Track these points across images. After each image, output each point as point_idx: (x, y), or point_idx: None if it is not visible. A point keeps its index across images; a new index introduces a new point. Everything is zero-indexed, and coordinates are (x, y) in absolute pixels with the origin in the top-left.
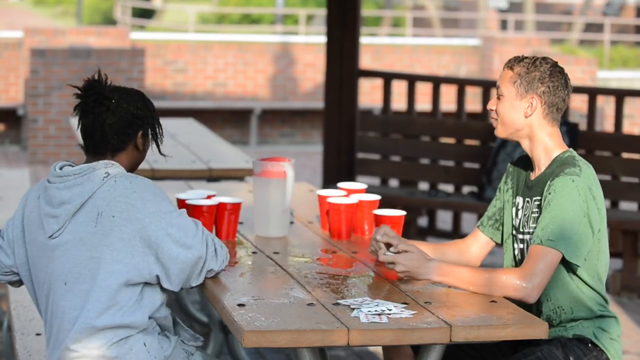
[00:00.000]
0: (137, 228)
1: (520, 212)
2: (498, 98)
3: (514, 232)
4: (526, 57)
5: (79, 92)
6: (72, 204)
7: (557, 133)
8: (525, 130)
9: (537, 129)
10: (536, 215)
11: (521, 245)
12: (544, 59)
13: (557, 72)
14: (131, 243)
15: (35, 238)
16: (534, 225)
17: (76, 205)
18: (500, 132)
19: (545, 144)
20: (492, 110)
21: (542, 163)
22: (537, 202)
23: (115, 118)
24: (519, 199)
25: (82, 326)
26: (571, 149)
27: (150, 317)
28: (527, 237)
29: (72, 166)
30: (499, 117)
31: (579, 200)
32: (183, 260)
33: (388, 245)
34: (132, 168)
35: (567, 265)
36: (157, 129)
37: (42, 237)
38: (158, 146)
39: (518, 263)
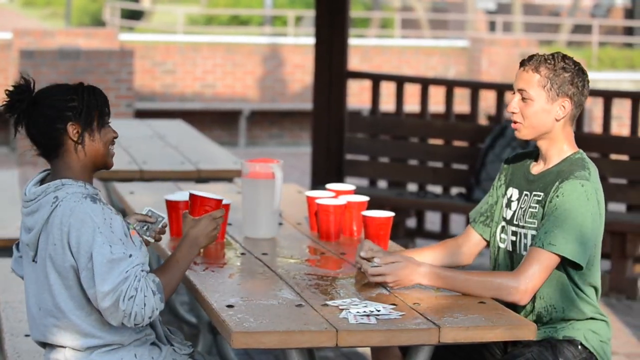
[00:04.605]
0: (70, 256)
1: (514, 204)
2: (523, 100)
3: (504, 223)
4: (548, 57)
5: (8, 99)
6: (33, 231)
7: (572, 132)
8: (552, 132)
9: (561, 130)
10: (534, 210)
11: (513, 238)
12: (564, 57)
13: (581, 70)
14: (73, 269)
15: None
16: (531, 220)
17: (37, 233)
18: (526, 135)
19: (562, 143)
20: (514, 113)
21: (551, 160)
22: (536, 198)
23: (40, 118)
24: (514, 191)
25: (67, 351)
26: (581, 150)
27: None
28: (521, 230)
29: (41, 183)
30: (527, 121)
31: (587, 205)
32: (94, 298)
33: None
34: (92, 166)
35: (565, 269)
36: (90, 115)
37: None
38: (83, 134)
39: (504, 254)
